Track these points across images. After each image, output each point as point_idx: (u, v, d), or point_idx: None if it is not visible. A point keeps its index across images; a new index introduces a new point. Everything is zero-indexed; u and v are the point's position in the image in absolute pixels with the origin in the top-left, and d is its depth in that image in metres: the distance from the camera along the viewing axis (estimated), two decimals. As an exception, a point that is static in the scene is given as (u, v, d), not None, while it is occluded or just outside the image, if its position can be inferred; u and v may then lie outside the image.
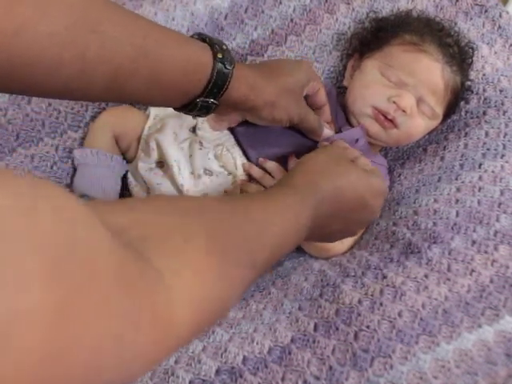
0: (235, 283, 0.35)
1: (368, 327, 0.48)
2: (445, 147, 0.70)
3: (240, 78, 0.49)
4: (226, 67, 0.47)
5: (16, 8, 0.34)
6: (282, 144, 0.64)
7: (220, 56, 0.47)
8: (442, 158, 0.69)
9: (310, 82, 0.58)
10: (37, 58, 0.36)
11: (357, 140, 0.67)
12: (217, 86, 0.47)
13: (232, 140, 0.65)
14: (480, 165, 0.64)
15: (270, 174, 0.63)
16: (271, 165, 0.63)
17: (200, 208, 0.36)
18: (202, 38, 0.49)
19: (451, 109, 0.71)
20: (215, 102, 0.49)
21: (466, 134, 0.70)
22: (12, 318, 0.16)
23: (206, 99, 0.48)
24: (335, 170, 0.49)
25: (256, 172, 0.63)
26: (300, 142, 0.64)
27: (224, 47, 0.48)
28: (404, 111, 0.64)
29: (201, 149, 0.64)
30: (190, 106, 0.49)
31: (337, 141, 0.59)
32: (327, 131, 0.63)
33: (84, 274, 0.20)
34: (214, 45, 0.48)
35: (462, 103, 0.73)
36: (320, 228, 0.47)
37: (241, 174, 0.64)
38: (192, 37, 0.50)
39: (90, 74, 0.40)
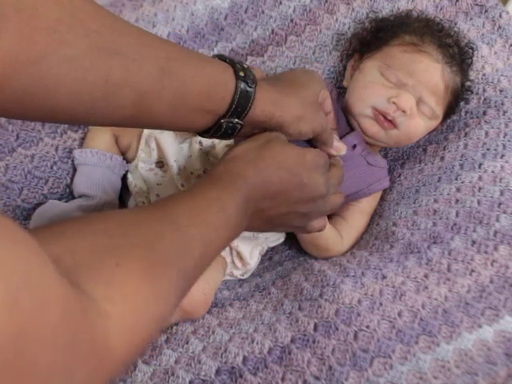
0: (168, 297, 0.35)
1: (368, 327, 0.48)
2: (445, 147, 0.70)
3: (263, 95, 0.48)
4: (248, 86, 0.46)
5: (34, 37, 0.34)
6: None
7: (242, 74, 0.46)
8: (442, 158, 0.69)
9: (321, 91, 0.57)
10: (57, 85, 0.36)
11: (354, 146, 0.67)
12: (240, 105, 0.46)
13: (232, 140, 0.65)
14: (480, 165, 0.64)
15: None
16: None
17: (129, 224, 0.36)
18: (221, 58, 0.48)
19: (451, 109, 0.71)
20: (240, 121, 0.48)
21: (466, 134, 0.70)
22: None
23: (230, 119, 0.47)
24: (259, 153, 0.48)
25: None
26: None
27: (245, 66, 0.48)
28: (404, 111, 0.64)
29: (201, 149, 0.64)
30: (215, 128, 0.48)
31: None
32: (338, 145, 0.61)
33: (37, 305, 0.21)
34: (234, 64, 0.47)
35: (462, 103, 0.73)
36: (257, 213, 0.47)
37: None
38: (212, 57, 0.49)
39: (114, 98, 0.39)
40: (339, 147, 0.58)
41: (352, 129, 0.69)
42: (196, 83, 0.43)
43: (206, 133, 0.49)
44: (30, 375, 0.20)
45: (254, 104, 0.47)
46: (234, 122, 0.47)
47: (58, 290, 0.23)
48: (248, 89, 0.46)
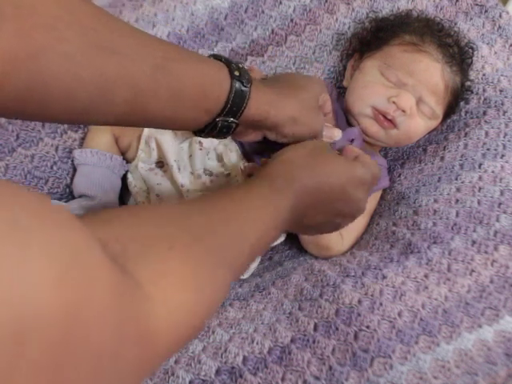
0: (216, 288, 0.35)
1: (368, 327, 0.48)
2: (445, 147, 0.70)
3: (259, 95, 0.48)
4: (243, 85, 0.46)
5: (33, 33, 0.34)
6: (282, 144, 0.64)
7: (237, 74, 0.46)
8: (442, 158, 0.69)
9: (321, 96, 0.57)
10: (55, 81, 0.36)
11: (352, 140, 0.67)
12: (236, 104, 0.46)
13: (231, 139, 0.65)
14: (480, 165, 0.64)
15: None
16: None
17: (179, 214, 0.36)
18: (217, 57, 0.49)
19: (451, 109, 0.71)
20: (235, 120, 0.48)
21: (466, 134, 0.70)
22: (28, 318, 0.17)
23: (225, 118, 0.47)
24: (314, 161, 0.49)
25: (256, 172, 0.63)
26: None
27: (240, 66, 0.48)
28: (403, 111, 0.64)
29: (201, 149, 0.64)
30: (211, 127, 0.48)
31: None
32: (330, 131, 0.61)
33: (85, 283, 0.20)
34: (230, 63, 0.47)
35: (462, 103, 0.73)
36: (300, 217, 0.47)
37: (241, 174, 0.64)
38: (208, 57, 0.50)
39: (110, 96, 0.39)
40: (332, 133, 0.58)
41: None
42: (192, 82, 0.44)
43: (201, 131, 0.49)
44: (81, 354, 0.20)
45: (249, 103, 0.47)
46: (229, 121, 0.48)
47: (106, 270, 0.23)
48: (243, 88, 0.46)
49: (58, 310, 0.18)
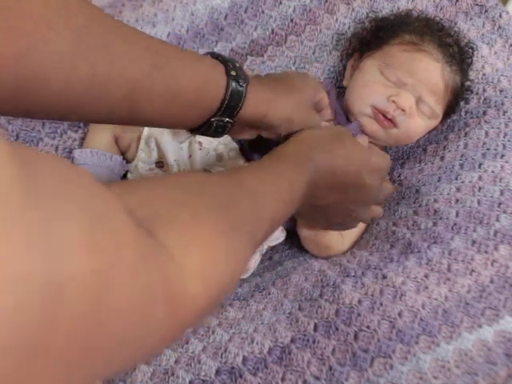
0: (240, 257, 0.35)
1: (368, 327, 0.48)
2: (445, 147, 0.70)
3: (255, 95, 0.48)
4: (240, 85, 0.46)
5: (22, 31, 0.34)
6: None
7: (233, 73, 0.46)
8: (442, 158, 0.69)
9: (316, 94, 0.57)
10: (45, 78, 0.36)
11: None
12: (231, 104, 0.46)
13: (231, 140, 0.65)
14: (480, 165, 0.64)
15: None
16: None
17: (202, 183, 0.37)
18: (213, 55, 0.48)
19: (451, 109, 0.71)
20: (230, 120, 0.48)
21: (466, 133, 0.70)
22: (62, 279, 0.17)
23: (220, 118, 0.47)
24: (330, 143, 0.50)
25: None
26: None
27: (237, 65, 0.47)
28: (403, 110, 0.64)
29: (200, 149, 0.64)
30: (205, 126, 0.48)
31: None
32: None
33: (114, 245, 0.21)
34: (226, 62, 0.47)
35: (462, 103, 0.73)
36: (314, 198, 0.48)
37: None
38: (204, 55, 0.49)
39: (102, 94, 0.39)
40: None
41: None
42: (187, 81, 0.43)
43: (196, 130, 0.49)
44: (111, 315, 0.20)
45: (245, 103, 0.47)
46: (224, 120, 0.47)
47: (133, 233, 0.23)
48: (239, 88, 0.46)
49: (89, 273, 0.18)
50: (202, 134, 0.49)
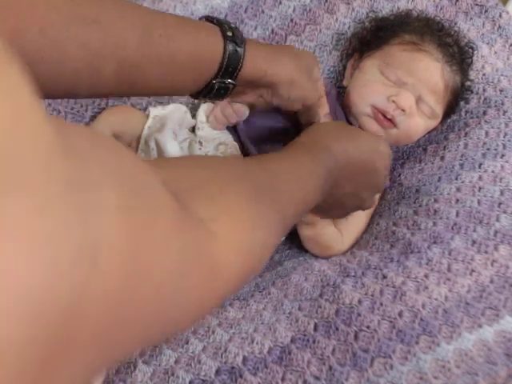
0: (271, 230, 0.36)
1: (368, 327, 0.48)
2: (445, 147, 0.70)
3: (254, 54, 0.48)
4: (238, 46, 0.46)
5: (12, 10, 0.34)
6: (282, 142, 0.64)
7: (230, 34, 0.46)
8: (442, 158, 0.69)
9: (315, 65, 0.58)
10: (38, 57, 0.36)
11: None
12: (231, 65, 0.46)
13: (231, 138, 0.65)
14: (480, 165, 0.64)
15: None
16: None
17: (228, 164, 0.38)
18: (208, 19, 0.49)
19: (451, 108, 0.71)
20: (232, 81, 0.48)
21: (466, 133, 0.70)
22: (96, 241, 0.17)
23: (222, 80, 0.47)
24: (345, 133, 0.52)
25: None
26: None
27: (232, 26, 0.48)
28: (403, 110, 0.64)
29: (200, 149, 0.64)
30: (207, 89, 0.48)
31: None
32: (326, 119, 0.63)
33: (148, 210, 0.21)
34: (222, 24, 0.47)
35: (462, 103, 0.73)
36: (332, 188, 0.49)
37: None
38: (199, 20, 0.50)
39: (97, 67, 0.39)
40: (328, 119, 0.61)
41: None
42: (184, 47, 0.43)
43: (198, 94, 0.49)
44: (146, 276, 0.20)
45: (245, 63, 0.47)
46: (226, 82, 0.48)
47: (167, 201, 0.23)
48: (237, 48, 0.46)
49: (121, 235, 0.18)
50: (204, 97, 0.49)
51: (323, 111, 0.64)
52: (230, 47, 0.46)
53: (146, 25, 0.41)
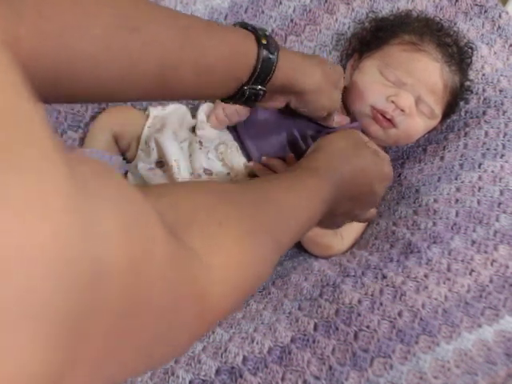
0: (266, 261, 0.36)
1: (368, 327, 0.48)
2: (444, 147, 0.70)
3: (286, 61, 0.49)
4: (271, 53, 0.47)
5: (55, 13, 0.34)
6: (282, 142, 0.65)
7: (264, 42, 0.47)
8: (442, 158, 0.69)
9: (341, 79, 0.59)
10: (80, 60, 0.36)
11: None
12: (263, 72, 0.47)
13: (231, 138, 0.65)
14: (480, 165, 0.64)
15: (273, 171, 0.63)
16: (276, 162, 0.63)
17: (227, 191, 0.38)
18: (243, 26, 0.49)
19: (450, 108, 0.71)
20: (263, 88, 0.48)
21: (466, 133, 0.70)
22: (99, 267, 0.17)
23: (253, 86, 0.48)
24: (353, 154, 0.52)
25: (261, 170, 0.63)
26: (299, 142, 0.64)
27: (267, 33, 0.48)
28: (403, 110, 0.64)
29: (201, 148, 0.64)
30: (238, 95, 0.48)
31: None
32: (339, 118, 0.64)
33: (146, 242, 0.21)
34: (256, 31, 0.47)
35: (462, 103, 0.73)
36: (334, 206, 0.49)
37: (241, 173, 0.64)
38: (233, 26, 0.50)
39: (136, 72, 0.40)
40: (343, 118, 0.63)
41: None
42: (218, 52, 0.44)
43: (229, 99, 0.50)
44: (144, 308, 0.21)
45: (277, 70, 0.48)
46: (257, 88, 0.48)
47: (163, 234, 0.24)
48: (270, 56, 0.47)
49: (124, 259, 0.19)
50: (235, 102, 0.50)
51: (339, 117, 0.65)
52: (264, 54, 0.46)
53: (185, 30, 0.42)
